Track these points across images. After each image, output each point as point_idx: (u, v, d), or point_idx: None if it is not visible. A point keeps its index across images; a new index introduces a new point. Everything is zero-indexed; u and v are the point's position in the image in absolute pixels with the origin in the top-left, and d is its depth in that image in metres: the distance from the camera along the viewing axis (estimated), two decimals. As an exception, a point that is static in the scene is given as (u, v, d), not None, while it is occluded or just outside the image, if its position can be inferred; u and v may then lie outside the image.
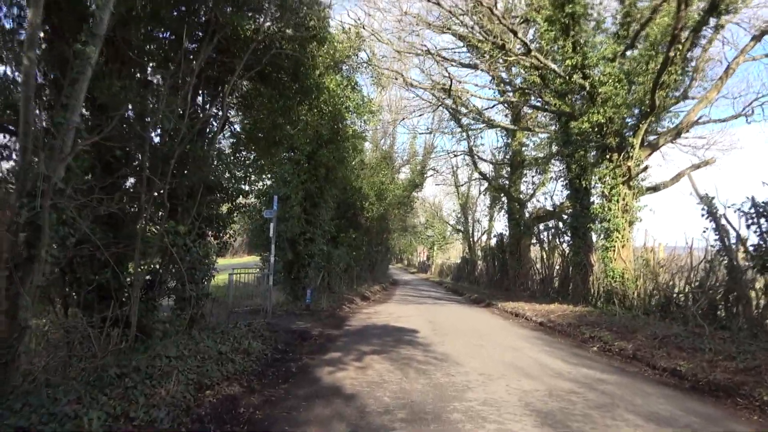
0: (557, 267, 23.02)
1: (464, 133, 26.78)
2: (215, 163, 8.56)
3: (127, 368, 4.98)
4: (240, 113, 10.97)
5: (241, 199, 10.71)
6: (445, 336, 12.10)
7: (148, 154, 5.45)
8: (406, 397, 6.35)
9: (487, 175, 31.15)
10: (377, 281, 33.08)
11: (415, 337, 11.65)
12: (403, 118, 25.43)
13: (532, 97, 17.13)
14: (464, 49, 20.70)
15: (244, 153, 10.96)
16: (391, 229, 34.81)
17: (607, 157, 15.10)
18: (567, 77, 14.40)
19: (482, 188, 43.28)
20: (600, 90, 14.20)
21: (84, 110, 6.45)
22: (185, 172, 6.67)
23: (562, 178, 21.96)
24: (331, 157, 16.23)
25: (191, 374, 5.41)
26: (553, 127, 20.31)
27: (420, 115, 26.69)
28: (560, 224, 22.70)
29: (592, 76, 14.48)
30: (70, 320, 5.78)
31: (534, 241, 26.43)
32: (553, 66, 14.43)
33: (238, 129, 11.01)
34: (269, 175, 16.34)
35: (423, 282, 46.44)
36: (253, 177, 11.04)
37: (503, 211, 31.86)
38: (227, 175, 9.46)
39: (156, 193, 6.27)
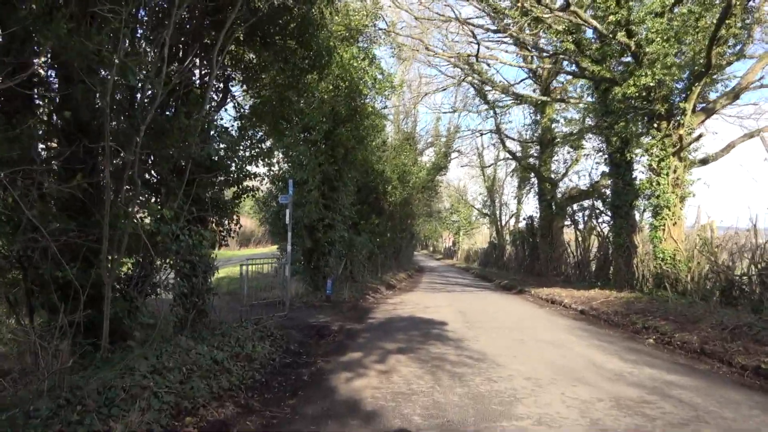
0: (594, 249, 21.46)
1: (490, 111, 25.15)
2: (213, 136, 7.38)
3: (83, 391, 3.84)
4: (243, 86, 9.75)
5: (249, 182, 9.55)
6: (479, 329, 10.81)
7: (109, 114, 4.29)
8: (441, 415, 5.09)
9: (516, 155, 29.49)
10: (402, 268, 31.88)
11: (445, 331, 10.39)
12: (426, 94, 23.88)
13: (565, 64, 15.45)
14: (489, 22, 19.15)
15: (250, 132, 9.73)
16: (415, 215, 33.44)
17: (655, 126, 13.47)
18: (610, 36, 12.77)
19: (509, 170, 41.70)
20: (647, 49, 12.54)
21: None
22: (165, 145, 5.50)
23: (600, 153, 20.25)
24: (349, 137, 14.95)
25: (168, 395, 4.25)
26: (589, 98, 18.61)
27: (443, 89, 25.09)
28: (598, 203, 21.04)
29: (637, 34, 12.82)
30: (19, 327, 4.68)
31: (567, 222, 24.83)
32: (594, 23, 12.79)
33: (245, 105, 9.79)
34: (283, 158, 15.18)
35: (449, 268, 45.04)
36: (262, 158, 9.83)
37: (533, 192, 30.28)
38: (227, 152, 8.28)
39: (130, 171, 5.08)
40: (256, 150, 9.48)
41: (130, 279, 5.48)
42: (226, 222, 8.74)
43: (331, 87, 14.64)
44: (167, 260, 6.54)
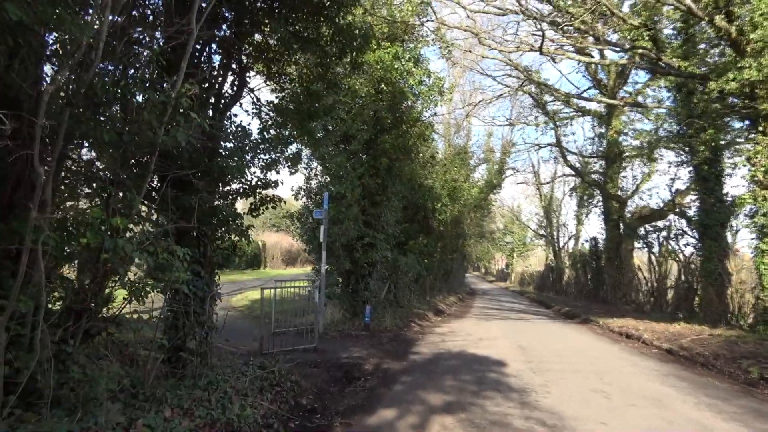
0: (673, 276, 18.67)
1: (549, 124, 22.87)
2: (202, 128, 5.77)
3: None
4: (264, 78, 8.16)
5: (269, 192, 7.91)
6: (546, 372, 8.66)
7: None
8: None
9: (578, 170, 26.90)
10: (453, 291, 29.67)
11: (505, 376, 8.29)
12: (480, 101, 21.74)
13: (640, 60, 13.14)
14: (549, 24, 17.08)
15: (272, 131, 8.09)
16: (467, 235, 31.22)
17: (760, 129, 11.01)
18: (705, 19, 10.52)
19: (567, 189, 38.93)
20: (751, 36, 10.21)
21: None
22: (115, 128, 3.89)
23: (679, 167, 17.62)
24: (394, 146, 13.20)
25: None
26: (668, 102, 16.16)
27: (499, 96, 22.93)
28: (679, 223, 18.33)
29: (740, 17, 10.53)
30: None
31: (638, 244, 22.05)
32: (689, 2, 10.55)
33: (264, 101, 8.20)
34: (321, 170, 13.61)
35: (503, 292, 42.25)
36: (287, 163, 8.17)
37: (595, 212, 27.54)
38: (239, 153, 6.68)
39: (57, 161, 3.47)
40: (278, 153, 7.86)
41: (61, 315, 3.85)
42: (228, 238, 7.09)
43: (373, 91, 13.01)
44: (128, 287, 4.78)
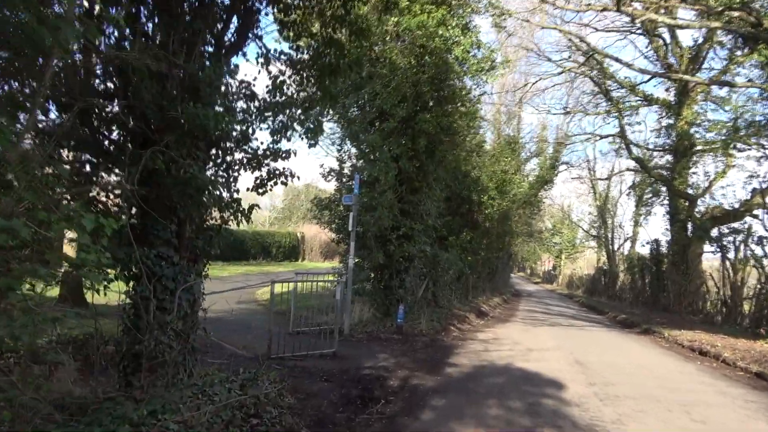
0: (754, 285, 16.13)
1: (612, 111, 20.42)
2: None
3: None
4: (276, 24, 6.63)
5: (280, 164, 6.40)
6: (616, 400, 6.81)
7: None
8: None
9: (644, 164, 24.25)
10: (498, 292, 27.62)
11: (564, 404, 6.49)
12: (537, 80, 19.42)
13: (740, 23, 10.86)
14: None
15: (286, 91, 6.54)
16: (514, 233, 29.03)
17: None
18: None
19: (624, 187, 36.08)
20: None
21: None
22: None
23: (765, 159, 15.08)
24: (435, 125, 11.48)
25: None
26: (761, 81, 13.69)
27: (559, 74, 20.69)
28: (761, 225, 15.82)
29: None
30: None
31: (709, 248, 19.43)
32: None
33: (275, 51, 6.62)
34: (355, 152, 12.08)
35: (549, 294, 39.63)
36: (305, 131, 6.61)
37: (658, 212, 24.95)
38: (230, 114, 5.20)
39: None
40: (291, 118, 6.36)
41: None
42: (218, 217, 5.62)
43: (413, 62, 11.33)
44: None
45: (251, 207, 6.14)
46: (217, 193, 4.95)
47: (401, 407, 5.77)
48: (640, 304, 25.11)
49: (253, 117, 5.98)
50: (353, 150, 12.00)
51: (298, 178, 6.96)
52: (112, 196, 4.46)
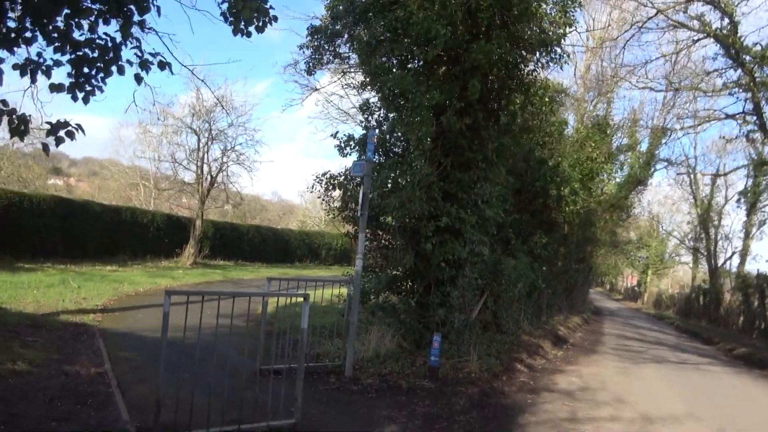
0: None
1: (742, 83, 14.99)
2: None
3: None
4: None
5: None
6: None
7: None
8: None
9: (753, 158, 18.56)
10: (576, 310, 22.41)
11: None
12: (637, 30, 14.02)
13: None
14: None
15: None
16: (598, 241, 23.72)
17: None
18: None
19: (728, 193, 29.70)
20: None
21: None
22: None
23: None
24: (497, 58, 7.23)
25: None
26: None
27: (663, 47, 15.50)
28: None
29: None
30: None
31: None
32: None
33: None
34: (379, 98, 8.13)
35: (635, 314, 33.25)
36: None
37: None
38: None
39: None
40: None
41: None
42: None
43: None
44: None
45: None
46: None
47: None
48: (755, 332, 20.33)
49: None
50: (374, 99, 7.99)
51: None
52: None
